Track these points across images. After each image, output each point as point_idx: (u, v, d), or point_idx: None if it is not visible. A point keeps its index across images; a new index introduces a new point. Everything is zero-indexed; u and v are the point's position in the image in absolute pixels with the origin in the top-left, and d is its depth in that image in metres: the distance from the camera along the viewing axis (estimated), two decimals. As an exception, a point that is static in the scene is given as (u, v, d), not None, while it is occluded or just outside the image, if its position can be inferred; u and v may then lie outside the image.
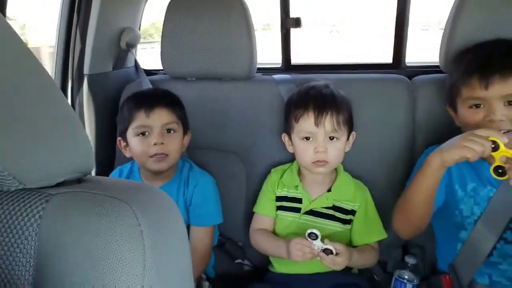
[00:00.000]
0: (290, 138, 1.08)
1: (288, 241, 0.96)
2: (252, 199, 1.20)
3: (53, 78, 1.28)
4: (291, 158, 1.17)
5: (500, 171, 0.81)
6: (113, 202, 0.46)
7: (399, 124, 1.15)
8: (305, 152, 1.02)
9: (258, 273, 1.17)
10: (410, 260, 1.07)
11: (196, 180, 1.10)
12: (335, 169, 1.10)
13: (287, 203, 1.09)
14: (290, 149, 1.09)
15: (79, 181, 0.51)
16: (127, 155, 1.09)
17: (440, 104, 1.11)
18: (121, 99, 1.29)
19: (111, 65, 1.36)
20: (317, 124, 0.99)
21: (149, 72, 1.46)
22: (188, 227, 1.09)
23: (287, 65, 1.48)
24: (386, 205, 1.12)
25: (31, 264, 0.44)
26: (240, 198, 1.22)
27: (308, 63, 1.54)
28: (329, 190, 1.07)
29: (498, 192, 0.95)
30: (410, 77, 1.22)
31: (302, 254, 0.93)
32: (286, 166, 1.15)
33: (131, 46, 1.39)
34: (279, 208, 1.10)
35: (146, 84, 1.27)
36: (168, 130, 1.06)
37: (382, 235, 1.08)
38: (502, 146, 0.80)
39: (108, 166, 1.22)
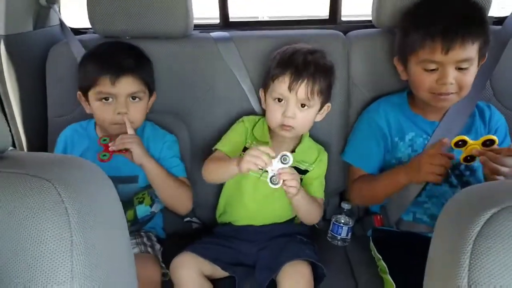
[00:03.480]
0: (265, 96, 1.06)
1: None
2: (196, 159, 1.21)
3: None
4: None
5: (469, 158, 0.91)
6: (31, 180, 0.43)
7: (336, 78, 1.19)
8: (274, 113, 1.02)
9: (207, 230, 1.21)
10: (346, 206, 1.17)
11: (165, 137, 1.13)
12: None
13: None
14: (264, 106, 1.08)
15: None
16: (87, 110, 1.06)
17: (373, 58, 1.17)
18: (47, 61, 1.20)
19: (31, 24, 1.22)
20: (290, 89, 0.98)
21: (77, 31, 1.34)
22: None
23: (225, 22, 1.44)
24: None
25: None
26: (185, 160, 1.22)
27: (246, 20, 1.51)
28: (293, 151, 1.09)
29: (432, 139, 1.05)
30: (346, 32, 1.25)
31: (254, 160, 0.89)
32: (256, 118, 1.14)
33: (52, 2, 1.25)
34: None
35: (75, 45, 1.18)
36: (133, 97, 1.02)
37: (320, 195, 1.11)
38: (469, 141, 0.89)
39: (40, 132, 1.14)
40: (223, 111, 1.20)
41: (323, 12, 1.47)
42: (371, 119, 1.13)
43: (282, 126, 1.02)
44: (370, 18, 1.20)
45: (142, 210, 1.11)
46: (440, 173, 0.92)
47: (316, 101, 1.02)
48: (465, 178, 1.06)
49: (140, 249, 1.04)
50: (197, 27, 1.26)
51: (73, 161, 0.52)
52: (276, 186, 0.92)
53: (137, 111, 1.03)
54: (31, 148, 1.26)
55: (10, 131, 1.20)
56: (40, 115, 1.23)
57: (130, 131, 1.01)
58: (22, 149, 1.26)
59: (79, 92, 1.06)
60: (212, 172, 1.05)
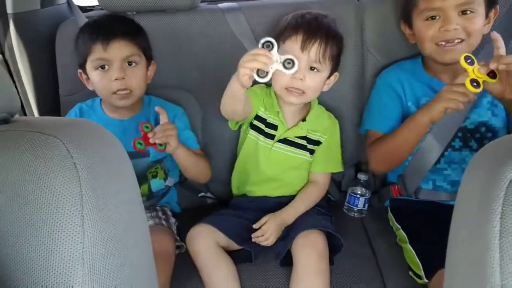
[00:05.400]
0: None
1: None
2: (208, 134, 1.19)
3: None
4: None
5: (475, 84, 0.82)
6: (39, 137, 0.44)
7: (349, 46, 1.15)
8: (282, 75, 0.96)
9: (222, 205, 1.20)
10: (362, 177, 1.14)
11: (173, 111, 1.10)
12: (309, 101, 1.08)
13: (264, 127, 1.07)
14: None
15: (5, 121, 0.49)
16: (90, 88, 1.06)
17: (388, 23, 1.12)
18: (56, 39, 1.19)
19: (38, 2, 1.22)
20: (302, 48, 0.95)
21: (84, 9, 1.33)
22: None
23: (232, -8, 1.40)
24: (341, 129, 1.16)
25: None
26: (196, 135, 1.21)
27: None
28: (303, 120, 1.06)
29: None
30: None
31: (253, 60, 0.81)
32: (264, 86, 1.09)
33: (58, -21, 1.24)
34: (253, 127, 1.08)
35: (83, 22, 1.16)
36: (129, 63, 1.01)
37: (338, 168, 1.10)
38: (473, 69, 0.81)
39: (52, 110, 1.15)
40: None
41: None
42: (385, 83, 1.09)
43: (289, 89, 0.98)
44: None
45: (156, 184, 1.11)
46: (462, 101, 0.84)
47: (327, 66, 0.99)
48: (486, 142, 1.01)
49: (155, 222, 1.04)
50: (204, -1, 1.24)
51: (81, 122, 0.52)
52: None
53: (134, 76, 1.00)
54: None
55: (22, 106, 1.21)
56: (53, 93, 1.23)
57: (164, 118, 0.98)
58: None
59: (79, 70, 1.06)
60: (225, 101, 0.97)
